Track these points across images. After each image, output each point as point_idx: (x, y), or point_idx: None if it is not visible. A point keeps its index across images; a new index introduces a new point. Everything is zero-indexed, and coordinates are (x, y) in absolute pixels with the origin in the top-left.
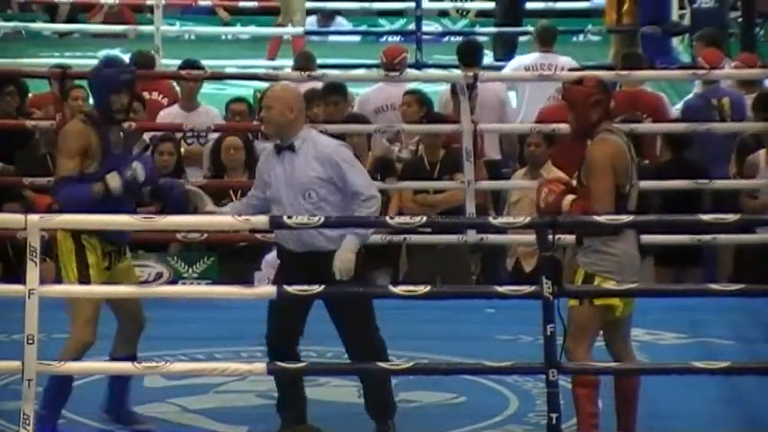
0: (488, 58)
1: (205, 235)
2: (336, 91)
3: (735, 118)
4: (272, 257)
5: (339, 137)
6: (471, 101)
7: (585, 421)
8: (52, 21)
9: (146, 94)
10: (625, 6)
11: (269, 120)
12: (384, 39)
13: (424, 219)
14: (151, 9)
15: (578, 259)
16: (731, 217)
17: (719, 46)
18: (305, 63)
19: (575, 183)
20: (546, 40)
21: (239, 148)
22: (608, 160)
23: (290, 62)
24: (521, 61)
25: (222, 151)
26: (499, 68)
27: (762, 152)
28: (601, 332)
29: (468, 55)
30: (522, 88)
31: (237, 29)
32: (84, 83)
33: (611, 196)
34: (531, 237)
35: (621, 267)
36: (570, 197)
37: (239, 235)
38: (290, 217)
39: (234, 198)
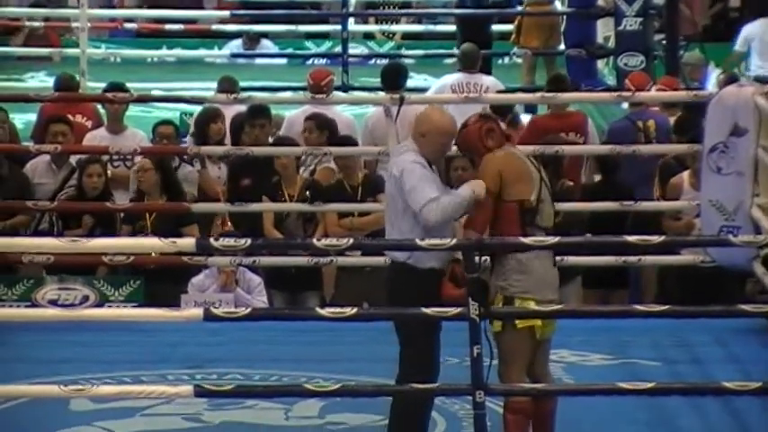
0: (417, 80)
1: (131, 258)
2: (261, 113)
3: (660, 140)
4: (198, 280)
5: (265, 159)
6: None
7: None
8: None
9: (70, 117)
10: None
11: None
12: (310, 61)
13: (351, 241)
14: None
15: (494, 284)
16: (656, 238)
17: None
18: (228, 86)
19: None
20: (469, 63)
21: (148, 169)
22: (495, 164)
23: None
24: (446, 81)
25: (133, 173)
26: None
27: (685, 174)
28: None
29: (392, 78)
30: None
31: (164, 51)
32: (5, 105)
33: (489, 192)
34: None
35: (539, 286)
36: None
37: (166, 258)
38: (216, 239)
39: (147, 221)
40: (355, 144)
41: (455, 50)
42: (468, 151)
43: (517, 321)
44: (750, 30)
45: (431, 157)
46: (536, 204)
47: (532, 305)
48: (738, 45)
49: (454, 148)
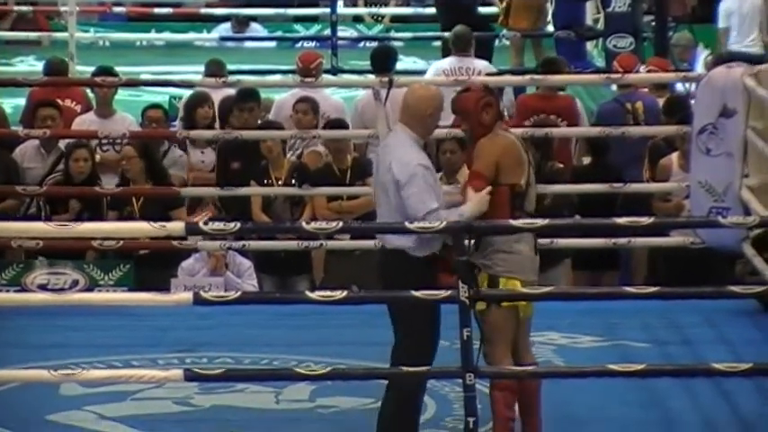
0: (406, 63)
1: (121, 242)
2: (250, 97)
3: (648, 122)
4: (188, 264)
5: (254, 143)
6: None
7: (501, 425)
8: None
9: (59, 102)
10: (512, 11)
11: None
12: (299, 44)
13: (341, 224)
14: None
15: (478, 263)
16: (645, 220)
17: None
18: (216, 70)
19: None
20: (461, 46)
21: (132, 157)
22: (494, 152)
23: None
24: (438, 65)
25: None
26: (418, 73)
27: (674, 155)
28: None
29: (382, 61)
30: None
31: (152, 35)
32: None
33: (484, 180)
34: None
35: (523, 267)
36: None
37: (156, 242)
38: (205, 223)
39: (135, 206)
40: (347, 127)
41: (445, 34)
42: (461, 116)
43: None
44: (728, 5)
45: (424, 135)
46: (525, 188)
47: (518, 285)
48: (721, 22)
49: (443, 131)
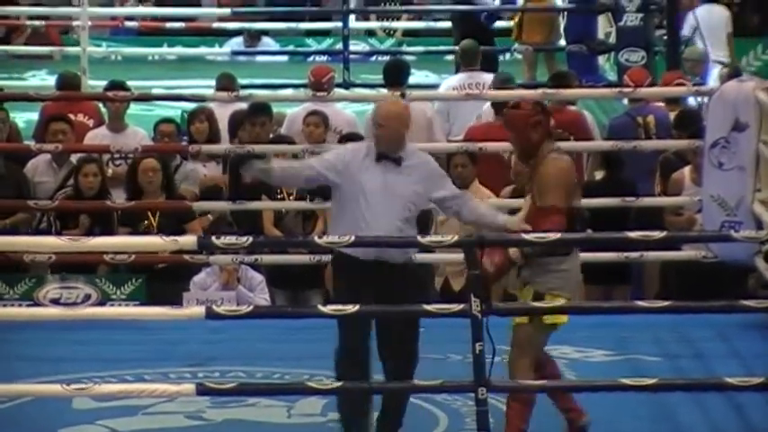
0: (418, 77)
1: (133, 256)
2: (262, 111)
3: (660, 135)
4: (200, 278)
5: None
6: None
7: None
8: None
9: (71, 116)
10: (524, 25)
11: (386, 137)
12: (311, 58)
13: (353, 238)
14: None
15: (526, 278)
16: (657, 234)
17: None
18: (227, 84)
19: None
20: (470, 60)
21: (157, 170)
22: (561, 180)
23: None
24: (448, 83)
25: (139, 174)
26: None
27: (686, 169)
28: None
29: (394, 75)
30: (452, 108)
31: (164, 50)
32: (7, 105)
33: (563, 214)
34: (459, 256)
35: (570, 284)
36: (513, 250)
37: (167, 256)
38: (218, 237)
39: (152, 220)
40: (361, 140)
41: (455, 47)
42: (510, 131)
43: (545, 316)
44: (695, 17)
45: (390, 148)
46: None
47: (562, 302)
48: (685, 30)
49: (455, 144)
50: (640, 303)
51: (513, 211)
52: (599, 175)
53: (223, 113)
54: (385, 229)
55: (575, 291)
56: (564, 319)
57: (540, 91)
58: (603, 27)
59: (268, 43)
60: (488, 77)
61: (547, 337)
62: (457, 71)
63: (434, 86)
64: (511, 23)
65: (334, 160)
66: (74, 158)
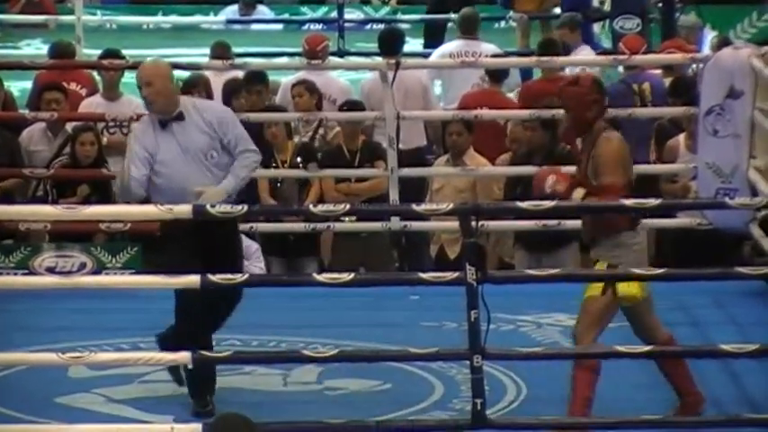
0: (413, 45)
1: (128, 225)
2: (258, 79)
3: (655, 103)
4: None
5: (260, 125)
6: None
7: (578, 403)
8: None
9: (65, 85)
10: None
11: (155, 95)
12: (306, 27)
13: (348, 206)
14: None
15: (598, 253)
16: (652, 201)
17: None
18: (221, 52)
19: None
20: (468, 28)
21: None
22: (618, 158)
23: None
24: (445, 49)
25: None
26: (425, 56)
27: (681, 137)
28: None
29: (389, 43)
30: (447, 76)
31: (159, 18)
32: (1, 73)
33: (623, 190)
34: (454, 223)
35: (640, 258)
36: (581, 190)
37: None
38: (213, 206)
39: None
40: (363, 110)
41: (452, 15)
42: (566, 107)
43: (620, 288)
44: None
45: (165, 108)
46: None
47: None
48: None
49: (450, 113)
50: (636, 270)
51: (515, 182)
52: None
53: (218, 82)
54: (199, 185)
55: (644, 264)
56: (636, 291)
57: (534, 58)
58: None
59: (263, 11)
60: (487, 47)
61: (616, 311)
62: (427, 40)
63: (428, 55)
64: None
65: (141, 152)
66: (69, 127)
